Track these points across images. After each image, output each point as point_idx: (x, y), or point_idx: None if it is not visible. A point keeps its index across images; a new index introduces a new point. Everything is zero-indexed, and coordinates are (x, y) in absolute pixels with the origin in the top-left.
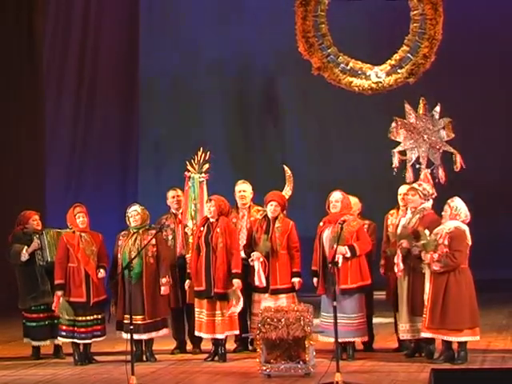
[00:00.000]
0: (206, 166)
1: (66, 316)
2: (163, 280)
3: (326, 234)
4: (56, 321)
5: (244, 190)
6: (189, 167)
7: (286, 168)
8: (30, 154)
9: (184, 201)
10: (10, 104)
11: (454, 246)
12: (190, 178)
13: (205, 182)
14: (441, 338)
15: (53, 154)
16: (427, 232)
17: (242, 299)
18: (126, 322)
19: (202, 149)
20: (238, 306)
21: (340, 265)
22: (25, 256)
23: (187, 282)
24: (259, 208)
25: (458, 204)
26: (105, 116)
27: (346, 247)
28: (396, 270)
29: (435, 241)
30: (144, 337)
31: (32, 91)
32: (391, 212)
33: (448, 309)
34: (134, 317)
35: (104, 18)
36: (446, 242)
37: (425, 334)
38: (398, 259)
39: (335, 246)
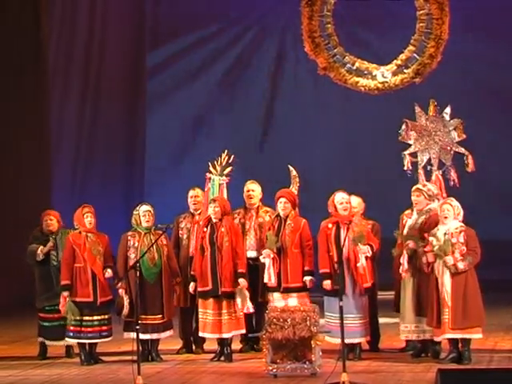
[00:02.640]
0: (228, 169)
1: (72, 316)
2: (178, 279)
3: (345, 236)
4: (58, 322)
5: (253, 189)
6: (211, 168)
7: (291, 168)
8: (36, 154)
9: (204, 202)
10: (15, 104)
11: (472, 243)
12: (210, 179)
13: (225, 185)
14: (465, 336)
15: (58, 155)
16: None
17: (248, 298)
18: (146, 322)
19: (226, 151)
20: (246, 306)
21: (365, 264)
22: (39, 256)
23: (192, 284)
24: (268, 209)
25: (458, 204)
26: (110, 116)
27: (368, 246)
28: (401, 269)
29: (449, 240)
30: (161, 336)
31: (37, 91)
32: (406, 212)
33: (469, 306)
34: (152, 316)
35: (110, 18)
36: (462, 240)
37: (450, 335)
38: (403, 259)
39: (359, 246)
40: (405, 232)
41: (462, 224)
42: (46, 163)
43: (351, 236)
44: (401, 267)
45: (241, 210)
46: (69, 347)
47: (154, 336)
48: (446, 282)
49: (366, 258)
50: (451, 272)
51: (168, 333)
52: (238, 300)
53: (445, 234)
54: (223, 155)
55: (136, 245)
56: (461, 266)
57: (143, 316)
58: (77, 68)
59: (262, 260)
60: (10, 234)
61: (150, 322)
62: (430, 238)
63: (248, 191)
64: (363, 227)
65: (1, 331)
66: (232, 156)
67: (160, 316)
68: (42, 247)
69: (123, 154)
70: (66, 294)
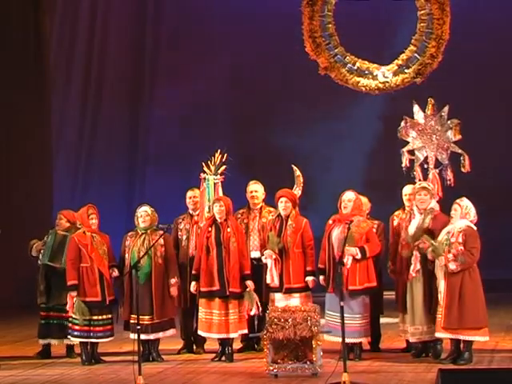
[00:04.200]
0: (223, 167)
1: (82, 316)
2: (172, 280)
3: (336, 234)
4: (45, 321)
5: (256, 190)
6: (205, 168)
7: (294, 168)
8: (37, 154)
9: (200, 202)
10: (17, 104)
11: (470, 243)
12: (205, 179)
13: (220, 184)
14: (458, 338)
15: (59, 155)
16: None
17: (256, 301)
18: (132, 322)
19: (219, 151)
20: (253, 309)
21: (349, 265)
22: (33, 252)
23: (193, 284)
24: (271, 209)
25: (468, 204)
26: (112, 116)
27: (357, 249)
28: (411, 269)
29: (447, 240)
30: (151, 337)
31: (38, 91)
32: (396, 213)
33: (465, 307)
34: (141, 317)
35: (111, 17)
36: (461, 240)
37: (440, 335)
38: (415, 260)
39: (346, 247)
40: (411, 232)
41: (469, 224)
42: (48, 163)
43: (341, 236)
44: (411, 267)
45: (244, 210)
46: (70, 347)
47: (142, 337)
48: (440, 283)
49: (357, 260)
50: (444, 272)
51: (161, 334)
52: (247, 302)
53: (448, 232)
54: (217, 154)
55: (131, 245)
56: (452, 266)
57: (132, 315)
58: (78, 67)
59: (264, 261)
60: (13, 234)
61: (135, 322)
62: (426, 241)
63: (251, 192)
64: (361, 229)
65: (3, 331)
66: (225, 154)
67: (149, 317)
68: (36, 244)
69: (125, 154)
70: (73, 293)
